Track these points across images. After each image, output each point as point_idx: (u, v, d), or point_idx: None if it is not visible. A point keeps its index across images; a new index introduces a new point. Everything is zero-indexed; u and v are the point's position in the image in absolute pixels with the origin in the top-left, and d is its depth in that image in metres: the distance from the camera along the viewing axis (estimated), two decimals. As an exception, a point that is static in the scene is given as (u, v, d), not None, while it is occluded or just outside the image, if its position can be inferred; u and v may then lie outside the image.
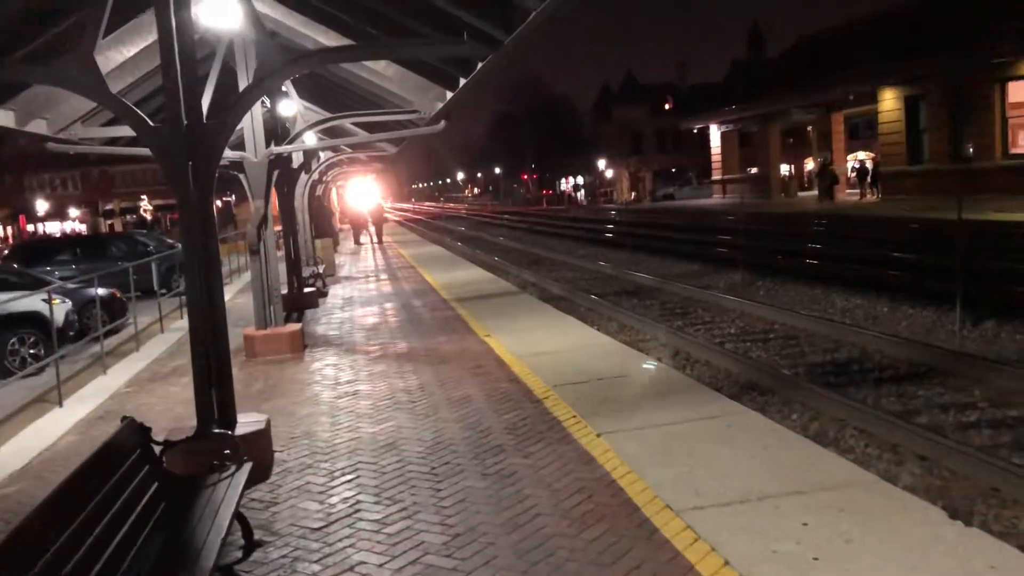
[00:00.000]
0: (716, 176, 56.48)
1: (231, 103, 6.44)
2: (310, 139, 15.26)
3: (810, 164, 50.55)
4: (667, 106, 79.38)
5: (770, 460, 5.56)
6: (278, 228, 16.50)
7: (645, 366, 8.14)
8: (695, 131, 63.37)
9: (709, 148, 57.11)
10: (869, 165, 39.78)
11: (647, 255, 25.34)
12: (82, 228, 70.48)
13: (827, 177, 39.49)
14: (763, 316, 13.57)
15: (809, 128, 46.03)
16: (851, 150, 43.23)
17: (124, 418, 4.70)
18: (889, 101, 35.70)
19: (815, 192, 42.38)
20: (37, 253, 22.99)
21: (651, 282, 18.47)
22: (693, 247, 25.22)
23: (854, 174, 40.27)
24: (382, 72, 12.26)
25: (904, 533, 4.36)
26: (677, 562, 4.27)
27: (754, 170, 51.45)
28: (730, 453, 5.76)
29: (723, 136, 54.13)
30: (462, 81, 10.94)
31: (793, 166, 52.69)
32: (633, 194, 75.86)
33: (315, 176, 22.33)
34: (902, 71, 33.45)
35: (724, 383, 9.83)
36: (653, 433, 6.35)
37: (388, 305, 15.31)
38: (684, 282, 18.03)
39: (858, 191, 38.70)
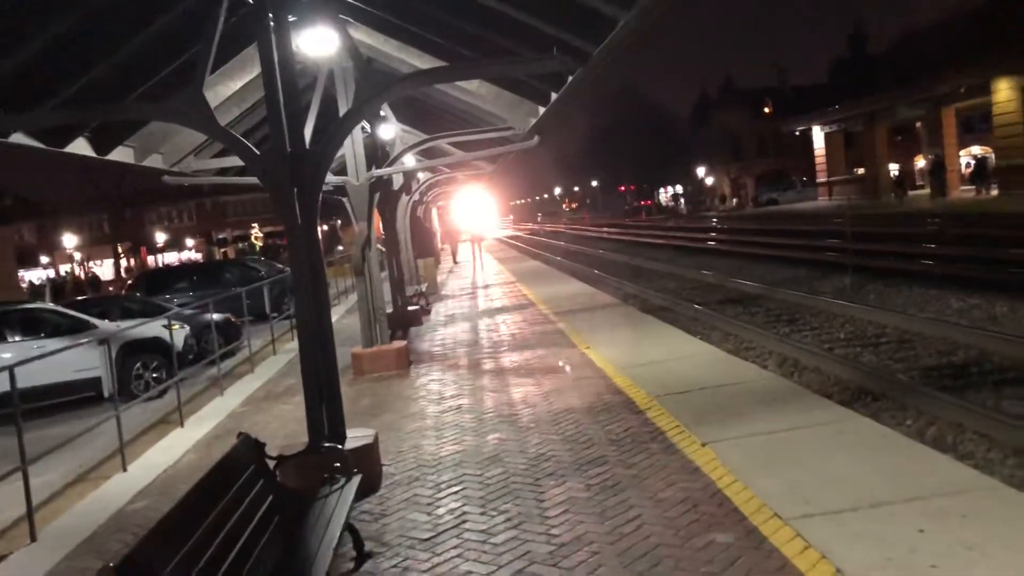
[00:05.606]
0: (821, 178, 54.89)
1: (332, 129, 6.68)
2: (409, 161, 15.59)
3: (920, 162, 48.54)
4: (767, 110, 77.64)
5: (884, 467, 5.37)
6: (382, 249, 16.91)
7: None
8: (797, 133, 61.78)
9: (812, 150, 55.59)
10: (985, 158, 38.01)
11: (750, 262, 24.83)
12: (197, 256, 73.83)
13: (939, 174, 37.88)
14: (874, 320, 13.11)
15: (918, 124, 44.24)
16: (964, 145, 41.30)
17: (240, 434, 4.91)
18: (1004, 92, 34.00)
19: (927, 191, 40.69)
20: (157, 282, 24.09)
21: (755, 289, 18.09)
22: (798, 252, 24.55)
23: (969, 169, 38.47)
24: (475, 91, 12.47)
25: (1031, 540, 4.15)
26: (787, 570, 4.19)
27: (861, 171, 49.75)
28: (841, 460, 5.59)
29: (827, 137, 52.59)
30: (554, 96, 11.02)
31: (901, 164, 50.73)
32: (735, 200, 74.49)
33: (415, 197, 22.78)
34: (1019, 58, 31.83)
35: (834, 390, 9.54)
36: (760, 441, 6.22)
37: (489, 320, 15.47)
38: (790, 288, 17.58)
39: (973, 187, 36.96)
